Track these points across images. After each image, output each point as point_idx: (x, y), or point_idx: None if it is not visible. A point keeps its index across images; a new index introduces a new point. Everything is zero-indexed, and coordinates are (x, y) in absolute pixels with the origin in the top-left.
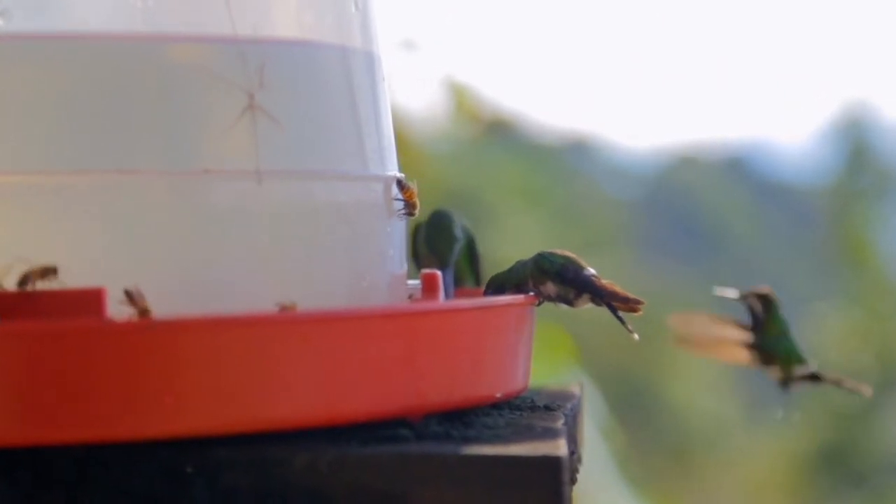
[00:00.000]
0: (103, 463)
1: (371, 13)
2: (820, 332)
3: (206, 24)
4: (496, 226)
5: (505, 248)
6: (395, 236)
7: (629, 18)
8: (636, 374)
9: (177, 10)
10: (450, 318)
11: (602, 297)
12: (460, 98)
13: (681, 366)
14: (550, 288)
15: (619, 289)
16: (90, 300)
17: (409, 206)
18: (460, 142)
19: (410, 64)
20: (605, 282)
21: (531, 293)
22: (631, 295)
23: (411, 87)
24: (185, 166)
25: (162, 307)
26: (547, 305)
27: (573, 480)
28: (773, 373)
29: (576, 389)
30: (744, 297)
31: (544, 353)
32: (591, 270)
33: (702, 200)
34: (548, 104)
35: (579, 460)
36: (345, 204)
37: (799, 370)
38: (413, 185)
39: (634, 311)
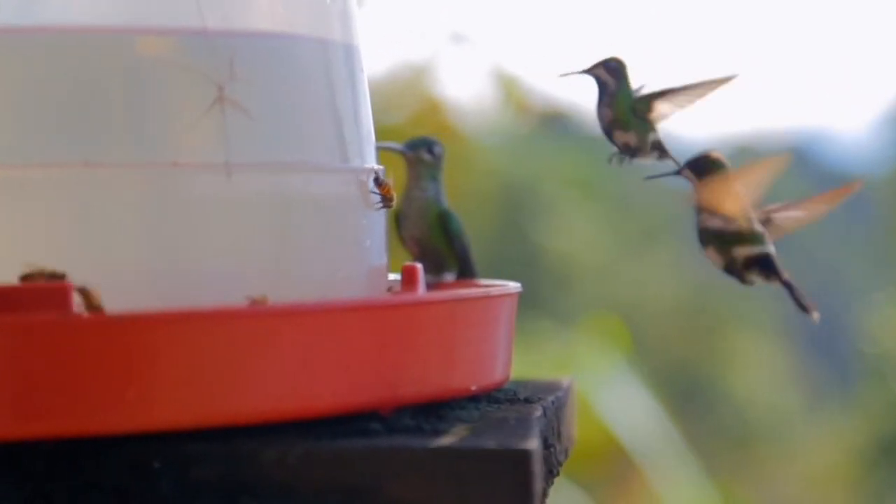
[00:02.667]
0: (72, 457)
1: (351, 5)
2: (877, 323)
3: (174, 16)
4: (551, 217)
5: (559, 240)
6: (375, 228)
7: (687, 8)
8: (697, 365)
9: (145, 1)
10: (421, 310)
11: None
12: (509, 90)
13: (742, 357)
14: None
15: None
16: (56, 295)
17: (386, 200)
18: (514, 134)
19: (459, 56)
20: None
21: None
22: None
23: (460, 80)
24: (154, 159)
25: (131, 301)
26: (602, 295)
27: (554, 473)
28: (628, 139)
29: (564, 381)
30: (589, 70)
31: (598, 343)
32: None
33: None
34: None
35: (564, 454)
36: (320, 196)
37: (652, 136)
38: (390, 180)
39: None
